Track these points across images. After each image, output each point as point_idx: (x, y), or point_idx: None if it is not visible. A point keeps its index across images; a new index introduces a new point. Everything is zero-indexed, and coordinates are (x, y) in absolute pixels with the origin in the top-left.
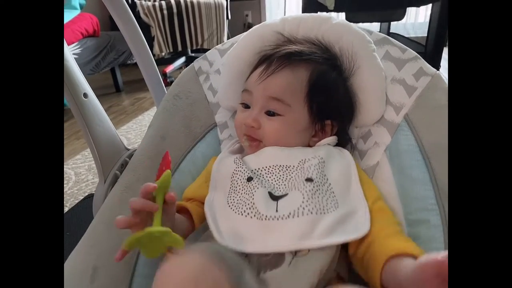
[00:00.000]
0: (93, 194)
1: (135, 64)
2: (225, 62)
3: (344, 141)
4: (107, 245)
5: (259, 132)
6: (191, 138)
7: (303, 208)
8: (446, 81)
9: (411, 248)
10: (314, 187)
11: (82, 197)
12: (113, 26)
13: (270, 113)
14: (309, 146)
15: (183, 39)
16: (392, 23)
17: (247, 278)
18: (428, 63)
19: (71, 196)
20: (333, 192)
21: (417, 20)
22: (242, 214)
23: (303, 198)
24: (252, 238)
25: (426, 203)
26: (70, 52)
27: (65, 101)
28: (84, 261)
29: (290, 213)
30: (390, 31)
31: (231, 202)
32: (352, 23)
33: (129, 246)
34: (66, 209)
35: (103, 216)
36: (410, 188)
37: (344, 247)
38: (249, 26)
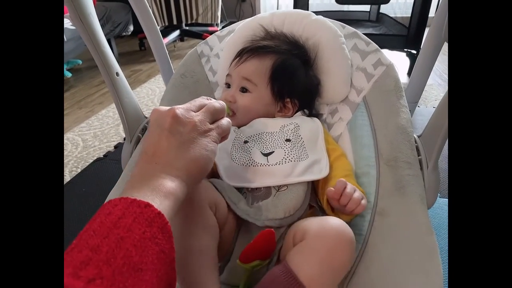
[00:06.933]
0: (101, 158)
1: (131, 35)
2: (224, 48)
3: (312, 115)
4: None
5: (234, 106)
6: None
7: (285, 159)
8: (397, 70)
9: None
10: (291, 144)
11: (92, 160)
12: None
13: (243, 90)
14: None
15: (178, 13)
16: None
17: (242, 205)
18: (410, 44)
19: (81, 159)
20: (305, 147)
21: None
22: (243, 165)
23: (285, 153)
24: (251, 179)
25: (369, 161)
26: (105, 39)
27: (65, 71)
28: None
29: (277, 162)
30: (380, 11)
31: (233, 158)
32: (327, 19)
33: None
34: (79, 170)
35: (131, 166)
36: (360, 150)
37: (314, 188)
38: (243, 0)
